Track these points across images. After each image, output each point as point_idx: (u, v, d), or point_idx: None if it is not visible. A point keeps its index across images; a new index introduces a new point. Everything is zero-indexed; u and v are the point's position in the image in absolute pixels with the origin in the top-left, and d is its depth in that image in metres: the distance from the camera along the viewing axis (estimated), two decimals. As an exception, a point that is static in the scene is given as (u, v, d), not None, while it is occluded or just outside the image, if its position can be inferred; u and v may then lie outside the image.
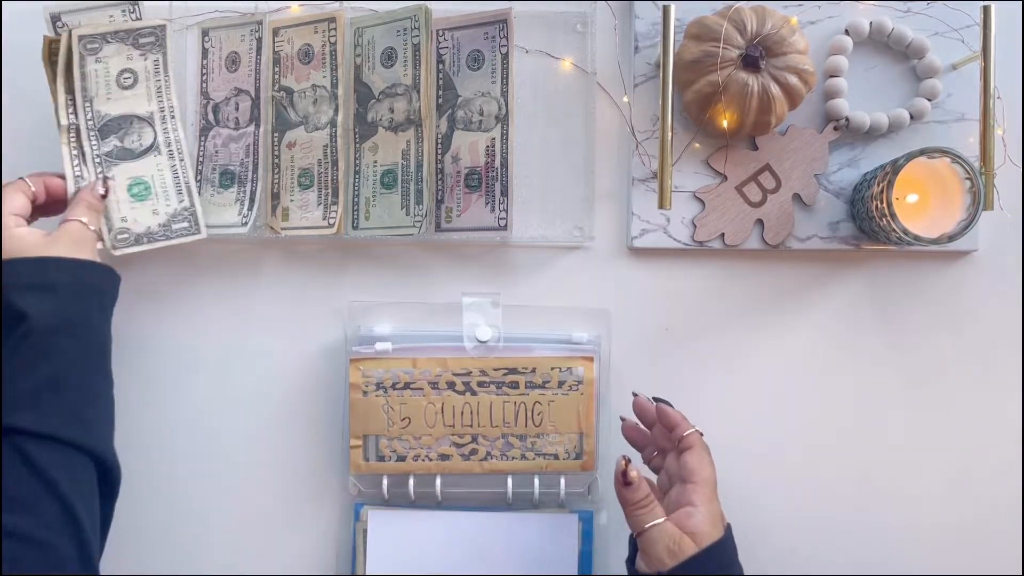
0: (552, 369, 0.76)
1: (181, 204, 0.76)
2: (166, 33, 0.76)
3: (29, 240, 0.67)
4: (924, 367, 0.80)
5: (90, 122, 0.73)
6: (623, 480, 0.65)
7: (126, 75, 0.74)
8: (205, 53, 0.81)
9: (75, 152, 0.73)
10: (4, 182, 0.71)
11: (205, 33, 0.81)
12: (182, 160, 0.76)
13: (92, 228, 0.71)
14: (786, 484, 0.80)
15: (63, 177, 0.73)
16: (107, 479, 0.65)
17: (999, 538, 0.79)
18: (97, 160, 0.74)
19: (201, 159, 0.81)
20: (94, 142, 0.74)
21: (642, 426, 0.72)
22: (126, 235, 0.74)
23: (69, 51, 0.73)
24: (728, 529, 0.65)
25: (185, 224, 0.76)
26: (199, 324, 0.79)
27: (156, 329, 0.79)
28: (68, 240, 0.68)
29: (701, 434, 0.68)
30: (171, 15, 0.79)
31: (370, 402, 0.76)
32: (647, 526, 0.64)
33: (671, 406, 0.69)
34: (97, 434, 0.65)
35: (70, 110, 0.73)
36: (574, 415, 0.76)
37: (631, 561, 0.67)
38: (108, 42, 0.73)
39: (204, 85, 0.81)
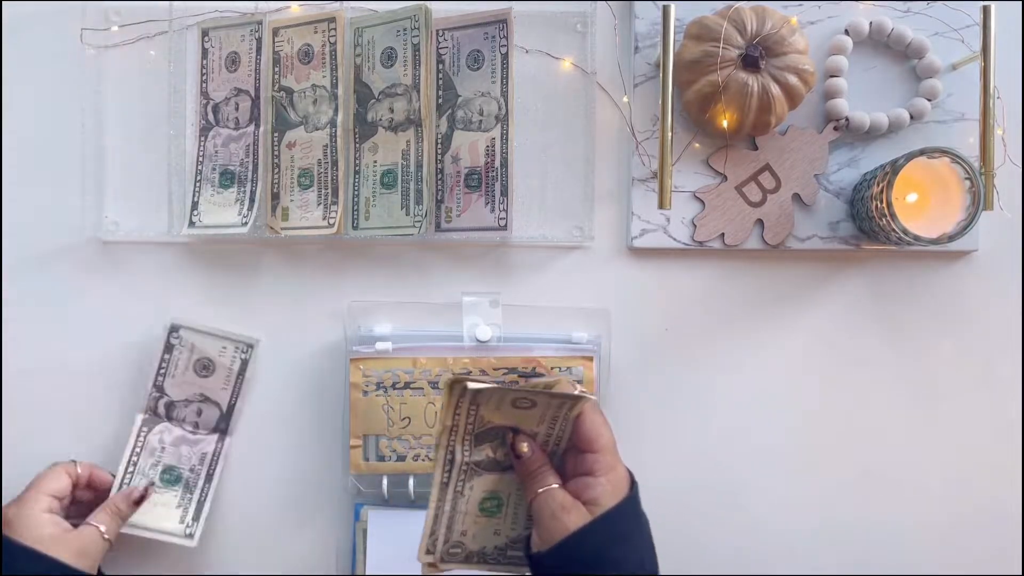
0: (552, 369, 0.76)
1: (527, 531, 0.65)
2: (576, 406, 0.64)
3: (45, 530, 0.68)
4: (924, 367, 0.80)
5: (470, 425, 0.63)
6: (514, 455, 0.62)
7: (523, 400, 0.63)
8: (205, 53, 0.81)
9: (447, 459, 0.64)
10: (54, 462, 0.74)
11: (205, 33, 0.81)
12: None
13: (107, 537, 0.71)
14: (786, 483, 0.80)
15: (113, 476, 0.76)
16: None
17: (999, 538, 0.79)
18: (464, 468, 0.64)
19: (201, 159, 0.81)
20: (468, 448, 0.64)
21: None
22: (458, 550, 0.66)
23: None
24: (633, 489, 0.62)
25: (520, 553, 0.66)
26: (199, 324, 0.79)
27: (156, 329, 0.79)
28: (78, 545, 0.69)
29: (593, 399, 0.63)
30: (171, 15, 0.79)
31: (370, 402, 0.76)
32: (539, 491, 0.60)
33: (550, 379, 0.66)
34: None
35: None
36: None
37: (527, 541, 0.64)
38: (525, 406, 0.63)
39: (204, 85, 0.81)
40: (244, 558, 0.79)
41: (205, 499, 0.78)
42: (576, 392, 0.62)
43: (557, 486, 0.61)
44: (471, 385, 0.59)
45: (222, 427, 0.79)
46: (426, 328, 0.79)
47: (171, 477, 0.78)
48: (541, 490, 0.61)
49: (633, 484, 0.62)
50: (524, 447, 0.62)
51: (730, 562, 0.79)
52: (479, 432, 0.63)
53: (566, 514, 0.59)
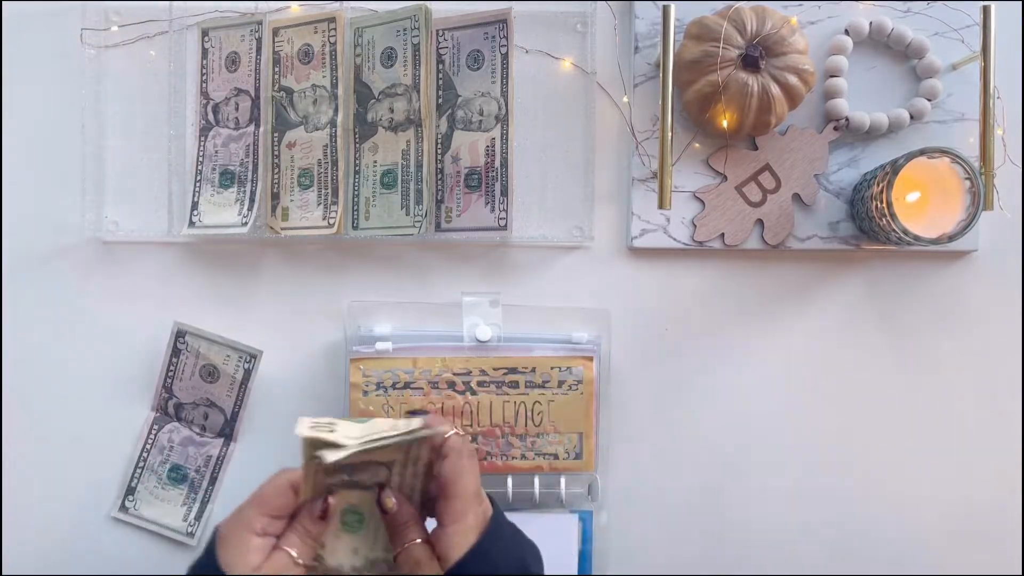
0: (552, 369, 0.76)
1: (388, 555, 0.63)
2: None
3: (250, 558, 0.59)
4: (924, 367, 0.80)
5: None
6: (381, 509, 0.61)
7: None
8: (205, 53, 0.81)
9: None
10: (284, 469, 0.63)
11: (205, 33, 0.81)
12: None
13: (300, 562, 0.61)
14: (786, 483, 0.80)
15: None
16: None
17: (999, 538, 0.79)
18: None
19: (201, 159, 0.81)
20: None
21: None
22: (316, 563, 0.63)
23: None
24: (483, 536, 0.60)
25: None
26: (199, 324, 0.79)
27: (157, 329, 0.79)
28: (272, 569, 0.60)
29: (460, 435, 0.62)
30: (171, 15, 0.79)
31: (370, 402, 0.76)
32: (404, 546, 0.60)
33: (425, 414, 0.64)
34: None
35: None
36: (574, 415, 0.76)
37: None
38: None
39: (204, 85, 0.81)
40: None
41: (208, 500, 0.79)
42: (424, 431, 0.60)
43: (419, 541, 0.60)
44: (327, 458, 0.57)
45: (227, 432, 0.79)
46: (426, 328, 0.79)
47: (177, 476, 0.79)
48: (404, 546, 0.60)
49: (487, 527, 0.60)
50: (390, 502, 0.61)
51: (730, 561, 0.79)
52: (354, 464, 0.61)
53: (421, 571, 0.59)
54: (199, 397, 0.79)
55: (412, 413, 0.66)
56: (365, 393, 0.76)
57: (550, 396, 0.76)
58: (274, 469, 0.79)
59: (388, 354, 0.76)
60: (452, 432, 0.62)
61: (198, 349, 0.78)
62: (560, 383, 0.76)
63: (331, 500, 0.62)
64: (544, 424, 0.76)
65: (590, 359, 0.76)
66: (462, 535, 0.59)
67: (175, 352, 0.78)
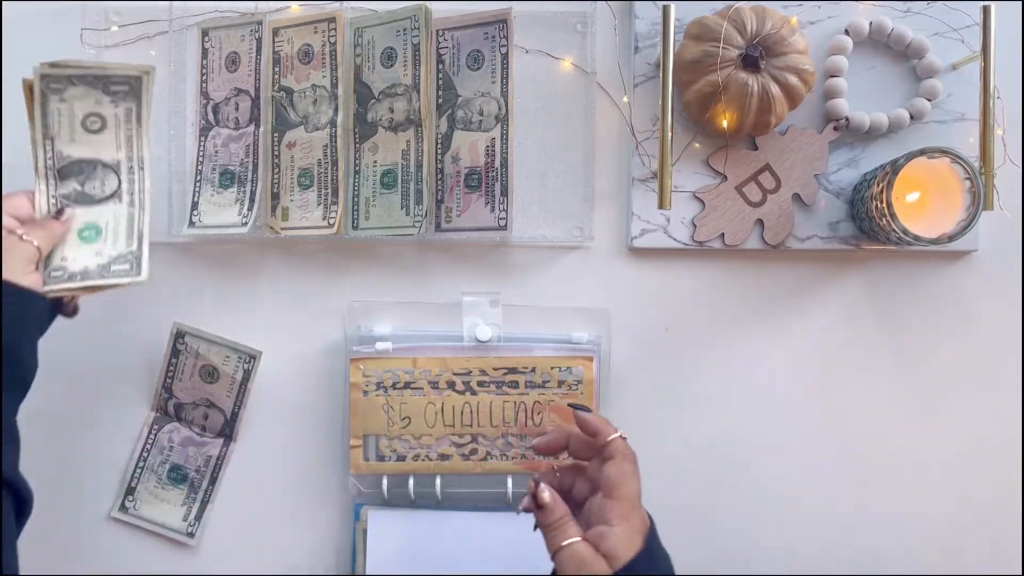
0: (552, 369, 0.76)
1: (129, 248, 0.69)
2: (143, 84, 0.68)
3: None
4: (924, 367, 0.80)
5: (49, 161, 0.69)
6: (535, 504, 0.62)
7: (92, 119, 0.69)
8: (205, 53, 0.81)
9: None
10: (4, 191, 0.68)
11: (205, 33, 0.81)
12: (143, 210, 0.70)
13: (40, 251, 0.66)
14: (786, 483, 0.80)
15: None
16: (20, 505, 0.65)
17: (999, 537, 0.79)
18: (53, 201, 0.69)
19: (201, 159, 0.81)
20: (52, 182, 0.69)
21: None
22: (60, 272, 0.68)
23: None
24: (648, 541, 0.61)
25: (126, 266, 0.69)
26: (199, 324, 0.79)
27: (157, 329, 0.79)
28: (9, 260, 0.64)
29: (624, 439, 0.64)
30: (171, 15, 0.79)
31: (370, 402, 0.76)
32: (561, 545, 0.60)
33: (589, 411, 0.65)
34: (8, 461, 0.65)
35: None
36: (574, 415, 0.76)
37: None
38: (73, 84, 0.67)
39: (204, 85, 0.81)
40: (244, 558, 0.80)
41: (208, 500, 0.79)
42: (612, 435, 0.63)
43: (579, 539, 0.61)
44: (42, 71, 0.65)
45: (227, 432, 0.79)
46: (426, 328, 0.79)
47: (177, 476, 0.79)
48: (564, 543, 0.61)
49: (649, 534, 0.62)
50: (546, 496, 0.62)
51: (730, 560, 0.79)
52: (61, 167, 0.68)
53: (589, 570, 0.60)
54: (199, 397, 0.79)
55: (574, 407, 0.66)
56: (365, 393, 0.76)
57: (550, 396, 0.76)
58: (273, 469, 0.79)
59: (388, 354, 0.76)
60: (617, 435, 0.63)
61: (198, 349, 0.78)
62: (560, 383, 0.76)
63: (66, 211, 0.68)
64: (544, 424, 0.76)
65: (590, 359, 0.76)
66: (629, 537, 0.60)
67: (175, 352, 0.78)
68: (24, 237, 0.65)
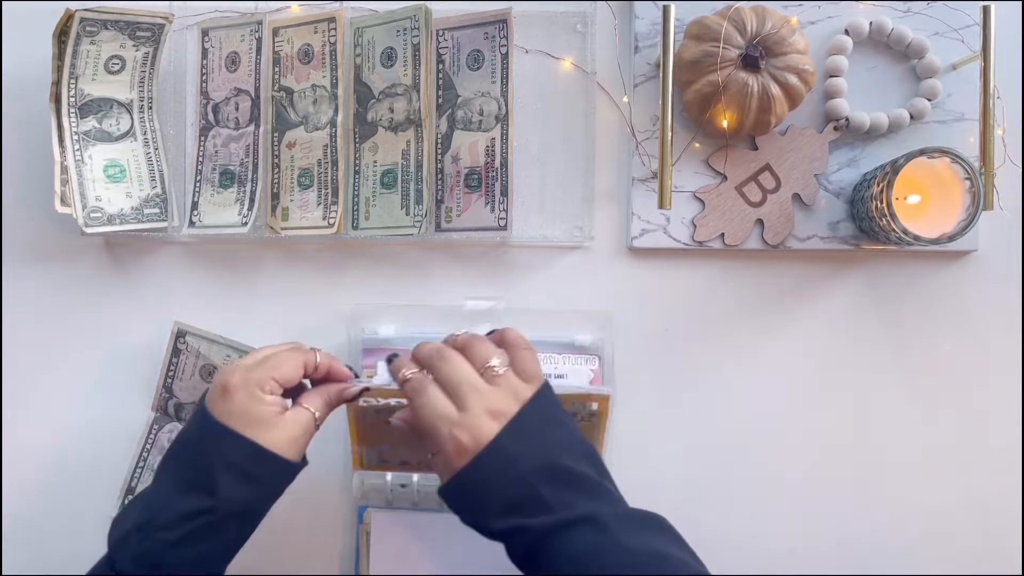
0: (569, 406, 0.72)
1: (154, 190, 0.78)
2: (164, 31, 0.76)
3: (265, 409, 0.62)
4: (924, 367, 0.80)
5: (72, 99, 0.75)
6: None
7: (115, 61, 0.76)
8: (205, 53, 0.81)
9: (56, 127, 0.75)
10: (293, 344, 0.67)
11: (205, 33, 0.81)
12: (157, 149, 0.78)
13: (318, 424, 0.66)
14: (786, 483, 0.80)
15: (352, 372, 0.69)
16: None
17: (999, 538, 0.79)
18: (75, 137, 0.75)
19: (201, 159, 0.81)
20: (73, 119, 0.75)
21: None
22: (99, 214, 0.76)
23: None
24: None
25: (156, 210, 0.78)
26: (199, 324, 0.79)
27: (157, 329, 0.79)
28: (292, 430, 0.63)
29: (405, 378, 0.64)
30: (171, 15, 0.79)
31: (370, 423, 0.73)
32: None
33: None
34: None
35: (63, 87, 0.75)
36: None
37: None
38: (107, 28, 0.74)
39: (204, 85, 0.81)
40: (246, 559, 0.79)
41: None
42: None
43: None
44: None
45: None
46: (429, 331, 0.78)
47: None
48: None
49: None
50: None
51: (730, 560, 0.79)
52: (81, 104, 0.76)
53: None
54: (199, 397, 0.79)
55: (388, 360, 0.67)
56: (364, 417, 0.74)
57: None
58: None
59: (382, 382, 0.74)
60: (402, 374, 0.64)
61: (198, 349, 0.78)
62: (573, 414, 0.74)
63: (364, 387, 0.67)
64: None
65: (606, 398, 0.73)
66: (441, 465, 0.62)
67: (175, 352, 0.78)
68: (303, 404, 0.65)
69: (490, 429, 0.60)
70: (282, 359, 0.64)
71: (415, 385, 0.63)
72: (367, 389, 0.68)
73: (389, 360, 0.66)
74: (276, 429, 0.62)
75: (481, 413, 0.60)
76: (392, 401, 0.69)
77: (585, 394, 0.72)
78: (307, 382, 0.67)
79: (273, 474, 0.63)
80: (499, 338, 0.65)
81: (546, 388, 0.63)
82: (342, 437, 0.79)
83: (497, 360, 0.63)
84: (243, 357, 0.66)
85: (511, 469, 0.59)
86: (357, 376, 0.69)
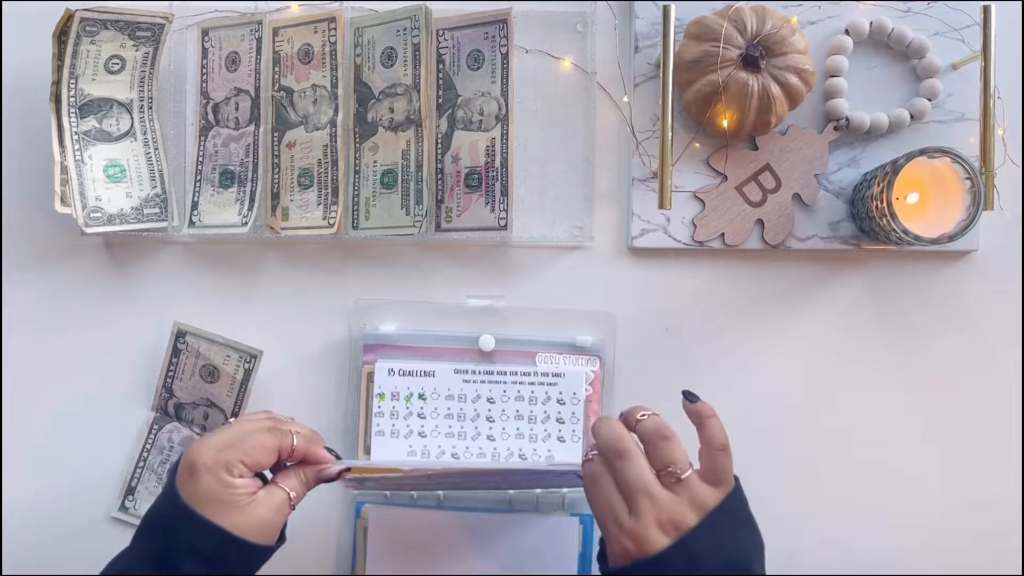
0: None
1: (154, 190, 0.78)
2: (164, 31, 0.76)
3: (234, 493, 0.60)
4: (924, 367, 0.80)
5: (72, 99, 0.75)
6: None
7: (115, 61, 0.76)
8: (205, 53, 0.81)
9: (56, 127, 0.75)
10: (268, 423, 0.64)
11: (205, 33, 0.81)
12: (157, 149, 0.78)
13: (293, 505, 0.63)
14: (786, 483, 0.80)
15: (333, 455, 0.66)
16: None
17: (999, 538, 0.79)
18: (75, 137, 0.76)
19: (201, 159, 0.81)
20: (73, 119, 0.75)
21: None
22: (99, 214, 0.76)
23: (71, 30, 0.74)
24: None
25: (156, 210, 0.78)
26: (199, 324, 0.79)
27: (157, 329, 0.79)
28: (264, 513, 0.61)
29: (590, 459, 0.62)
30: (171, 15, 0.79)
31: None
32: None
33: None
34: None
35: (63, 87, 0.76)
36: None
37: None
38: (107, 28, 0.74)
39: (204, 85, 0.81)
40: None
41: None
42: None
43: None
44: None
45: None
46: (430, 328, 0.79)
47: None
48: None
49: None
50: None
51: (730, 562, 0.79)
52: (81, 104, 0.76)
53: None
54: (199, 397, 0.79)
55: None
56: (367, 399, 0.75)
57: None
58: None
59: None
60: (586, 458, 0.62)
61: (198, 349, 0.78)
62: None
63: (344, 475, 0.65)
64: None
65: (596, 370, 0.74)
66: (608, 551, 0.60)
67: (175, 352, 0.78)
68: (280, 486, 0.63)
69: (658, 542, 0.56)
70: (255, 443, 0.62)
71: (591, 470, 0.61)
72: (348, 470, 0.65)
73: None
74: (246, 513, 0.60)
75: (652, 524, 0.57)
76: (389, 475, 0.68)
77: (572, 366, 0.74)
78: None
79: (241, 560, 0.61)
80: (695, 419, 0.62)
81: (735, 493, 0.60)
82: (341, 434, 0.79)
83: (682, 462, 0.59)
84: (214, 432, 0.62)
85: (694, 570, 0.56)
86: (339, 458, 0.66)
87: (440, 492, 0.77)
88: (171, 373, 0.78)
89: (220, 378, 0.78)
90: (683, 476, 0.58)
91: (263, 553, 0.62)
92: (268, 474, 0.65)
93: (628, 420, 0.62)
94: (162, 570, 0.59)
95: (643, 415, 0.62)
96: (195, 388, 0.78)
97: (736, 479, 0.61)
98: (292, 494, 0.63)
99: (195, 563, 0.59)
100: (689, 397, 0.63)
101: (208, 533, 0.59)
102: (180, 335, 0.78)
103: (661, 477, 0.58)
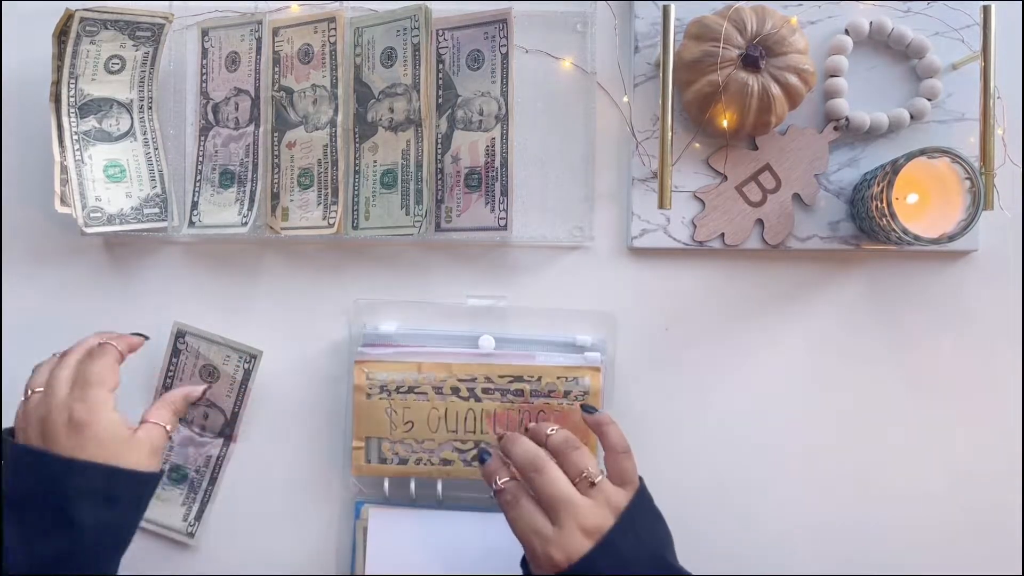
0: (558, 379, 0.75)
1: (154, 190, 0.78)
2: (164, 31, 0.76)
3: (118, 430, 0.65)
4: (924, 367, 0.80)
5: (72, 99, 0.75)
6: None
7: (115, 61, 0.76)
8: (205, 53, 0.81)
9: (56, 127, 0.75)
10: (91, 343, 0.70)
11: (205, 33, 0.81)
12: (157, 149, 0.78)
13: (170, 432, 0.70)
14: (786, 483, 0.80)
15: (142, 336, 0.74)
16: None
17: (999, 538, 0.79)
18: (75, 137, 0.75)
19: (201, 159, 0.81)
20: (73, 119, 0.75)
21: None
22: (99, 214, 0.76)
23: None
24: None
25: (156, 210, 0.78)
26: (199, 324, 0.79)
27: (156, 329, 0.79)
28: (149, 445, 0.67)
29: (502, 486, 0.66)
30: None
31: (373, 404, 0.76)
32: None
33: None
34: None
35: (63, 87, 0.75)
36: (579, 426, 0.75)
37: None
38: (107, 28, 0.74)
39: (204, 85, 0.81)
40: (244, 556, 0.80)
41: (208, 500, 0.79)
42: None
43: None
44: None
45: (227, 432, 0.79)
46: (430, 328, 0.79)
47: (177, 476, 0.79)
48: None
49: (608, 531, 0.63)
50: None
51: (730, 561, 0.79)
52: (81, 104, 0.75)
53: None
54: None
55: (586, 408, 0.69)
56: (369, 396, 0.76)
57: (555, 406, 0.76)
58: (273, 468, 0.79)
59: (393, 358, 0.76)
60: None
61: (198, 349, 0.78)
62: (566, 393, 0.75)
63: (207, 393, 0.75)
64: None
65: (597, 370, 0.75)
66: (534, 567, 0.64)
67: (175, 352, 0.78)
68: (152, 420, 0.68)
69: (583, 547, 0.60)
70: (99, 370, 0.66)
71: (508, 497, 0.64)
72: (210, 387, 0.76)
73: (482, 460, 0.68)
74: (133, 450, 0.65)
75: (575, 531, 0.61)
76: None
77: (575, 367, 0.74)
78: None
79: (135, 488, 0.64)
80: (595, 428, 0.67)
81: (642, 491, 0.64)
82: (341, 434, 0.79)
83: (593, 468, 0.63)
84: (50, 390, 0.66)
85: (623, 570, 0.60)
86: (147, 338, 0.73)
87: (439, 490, 0.77)
88: (171, 373, 0.78)
89: (220, 378, 0.78)
90: (596, 481, 0.62)
91: (152, 480, 0.67)
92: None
93: (537, 436, 0.66)
94: (58, 530, 0.60)
95: (552, 430, 0.66)
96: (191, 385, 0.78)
97: (640, 479, 0.65)
98: (168, 427, 0.69)
99: (91, 507, 0.61)
100: (587, 409, 0.68)
101: (97, 472, 0.62)
102: (180, 335, 0.78)
103: (577, 484, 0.62)
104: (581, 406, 0.70)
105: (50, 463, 0.62)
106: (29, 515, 0.62)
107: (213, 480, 0.79)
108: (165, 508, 0.79)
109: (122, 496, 0.63)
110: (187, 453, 0.79)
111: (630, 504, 0.63)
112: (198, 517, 0.79)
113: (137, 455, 0.65)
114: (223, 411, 0.78)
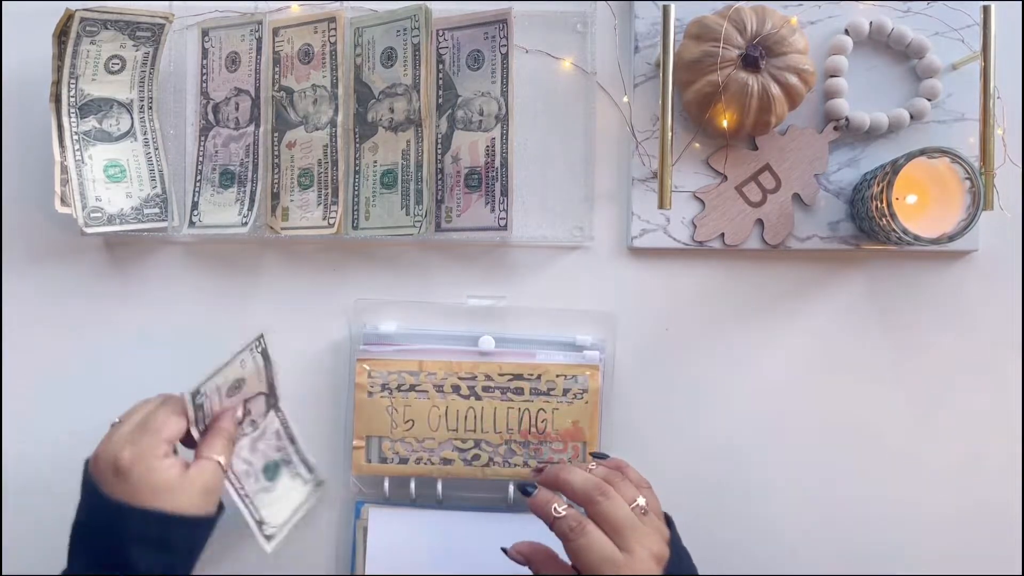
0: (557, 376, 0.75)
1: (154, 190, 0.78)
2: (164, 31, 0.77)
3: (167, 475, 0.64)
4: (924, 367, 0.80)
5: (72, 99, 0.75)
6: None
7: (115, 61, 0.76)
8: (205, 53, 0.81)
9: (56, 127, 0.75)
10: (162, 399, 0.68)
11: (205, 33, 0.81)
12: (157, 149, 0.78)
13: (225, 468, 0.67)
14: (786, 483, 0.80)
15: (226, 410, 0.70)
16: None
17: (999, 538, 0.80)
18: (75, 137, 0.76)
19: (201, 159, 0.81)
20: (73, 119, 0.75)
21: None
22: (99, 214, 0.76)
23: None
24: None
25: (156, 210, 0.78)
26: (199, 324, 0.79)
27: (156, 329, 0.79)
28: (201, 486, 0.65)
29: (560, 517, 0.63)
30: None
31: (374, 403, 0.76)
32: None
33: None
34: None
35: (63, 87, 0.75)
36: (578, 424, 0.76)
37: None
38: (107, 28, 0.74)
39: (204, 85, 0.81)
40: (244, 556, 0.80)
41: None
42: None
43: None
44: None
45: (272, 403, 0.76)
46: (431, 328, 0.79)
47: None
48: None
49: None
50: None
51: (731, 560, 0.79)
52: (81, 104, 0.75)
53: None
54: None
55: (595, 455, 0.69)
56: (370, 394, 0.76)
57: (555, 404, 0.76)
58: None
59: (394, 355, 0.76)
60: (560, 515, 0.62)
61: (215, 384, 0.70)
62: (565, 391, 0.76)
63: (248, 407, 0.71)
64: (547, 432, 0.76)
65: (596, 368, 0.76)
66: None
67: (198, 407, 0.70)
68: (205, 456, 0.66)
69: (654, 573, 0.60)
70: (161, 419, 0.65)
71: (573, 524, 0.61)
72: (246, 403, 0.71)
73: (525, 492, 0.65)
74: (184, 490, 0.64)
75: (647, 557, 0.60)
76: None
77: (575, 365, 0.75)
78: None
79: (188, 535, 0.64)
80: (617, 470, 0.66)
81: (671, 520, 0.65)
82: (341, 435, 0.79)
83: (642, 499, 0.63)
84: (113, 431, 0.65)
85: None
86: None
87: (439, 489, 0.77)
88: (200, 417, 0.71)
89: (247, 381, 0.73)
90: (647, 511, 0.62)
91: (207, 524, 0.65)
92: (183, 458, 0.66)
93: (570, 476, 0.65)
94: (117, 569, 0.61)
95: (594, 465, 0.66)
96: (229, 404, 0.73)
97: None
98: (221, 459, 0.66)
99: (145, 552, 0.61)
100: (599, 456, 0.68)
101: (149, 520, 0.62)
102: (196, 394, 0.69)
103: (633, 511, 0.62)
104: (591, 454, 0.70)
105: (107, 504, 0.63)
106: (90, 555, 0.63)
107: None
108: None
109: (174, 541, 0.63)
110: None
111: (672, 534, 0.63)
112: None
113: (188, 499, 0.64)
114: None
